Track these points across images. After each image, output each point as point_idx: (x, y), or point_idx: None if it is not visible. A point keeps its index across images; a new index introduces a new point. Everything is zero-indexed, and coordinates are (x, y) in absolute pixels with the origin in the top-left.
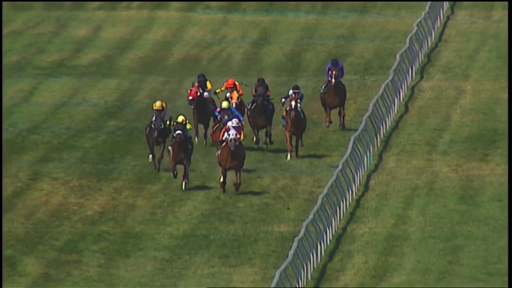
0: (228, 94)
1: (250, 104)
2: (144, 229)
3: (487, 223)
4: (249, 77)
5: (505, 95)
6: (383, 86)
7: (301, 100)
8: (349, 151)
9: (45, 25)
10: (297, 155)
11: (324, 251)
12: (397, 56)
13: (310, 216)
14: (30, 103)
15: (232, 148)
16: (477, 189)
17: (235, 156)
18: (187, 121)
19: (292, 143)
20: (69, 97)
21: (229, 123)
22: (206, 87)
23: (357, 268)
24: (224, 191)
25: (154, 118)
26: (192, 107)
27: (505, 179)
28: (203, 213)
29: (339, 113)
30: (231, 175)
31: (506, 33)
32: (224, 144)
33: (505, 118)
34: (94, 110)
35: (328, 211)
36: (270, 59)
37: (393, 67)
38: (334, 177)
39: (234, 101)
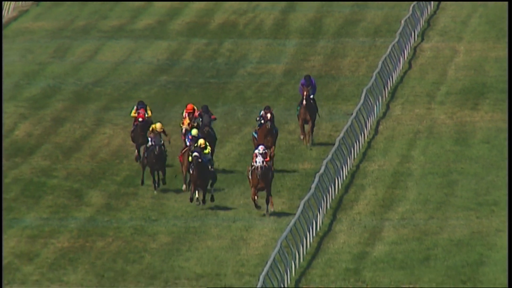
0: (184, 114)
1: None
2: None
3: (477, 161)
4: (278, 39)
5: (493, 54)
6: (390, 46)
7: (273, 117)
8: (361, 101)
9: None
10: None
11: (341, 185)
12: (402, 21)
13: (329, 156)
14: (94, 61)
15: (258, 176)
16: (469, 133)
17: (263, 179)
18: (206, 144)
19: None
20: (127, 56)
21: (256, 151)
22: (147, 113)
23: (368, 199)
24: (256, 206)
25: (150, 141)
26: (133, 129)
27: (492, 125)
28: (239, 153)
29: (311, 127)
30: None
31: (493, 2)
32: (253, 168)
33: (492, 73)
34: (148, 67)
35: (344, 151)
36: (296, 24)
37: (399, 31)
38: (349, 123)
39: (185, 126)
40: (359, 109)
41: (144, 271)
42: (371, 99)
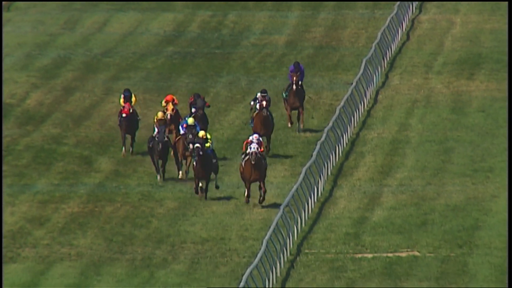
0: (163, 102)
1: (189, 115)
2: None
3: (473, 129)
4: (281, 11)
5: (488, 26)
6: (388, 18)
7: (269, 103)
8: (361, 71)
9: None
10: (268, 153)
11: (341, 152)
12: None
13: (330, 124)
14: (103, 32)
15: (252, 162)
16: (465, 102)
17: (257, 168)
18: (207, 135)
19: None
20: (135, 28)
21: (250, 138)
22: (131, 101)
23: (368, 166)
24: (248, 202)
25: (156, 131)
26: (119, 121)
27: (488, 94)
28: (243, 121)
29: (298, 114)
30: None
31: None
32: (246, 158)
33: (488, 44)
34: (155, 38)
35: (344, 119)
36: None
37: (397, 3)
38: (349, 92)
39: (169, 112)
40: (359, 79)
41: (151, 235)
42: (370, 69)
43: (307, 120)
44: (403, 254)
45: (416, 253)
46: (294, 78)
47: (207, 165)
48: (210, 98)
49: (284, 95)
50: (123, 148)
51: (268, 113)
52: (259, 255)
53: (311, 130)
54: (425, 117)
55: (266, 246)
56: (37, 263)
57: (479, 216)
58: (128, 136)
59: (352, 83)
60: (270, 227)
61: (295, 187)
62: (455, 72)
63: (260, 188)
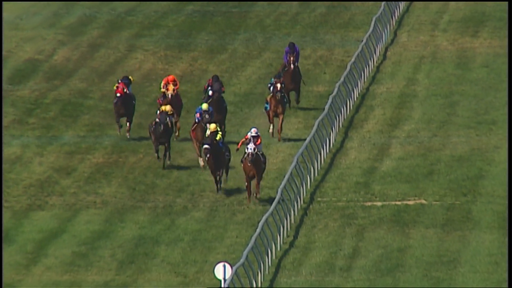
0: (162, 84)
1: (205, 99)
2: None
3: (477, 83)
4: None
5: None
6: None
7: (283, 85)
8: (371, 28)
9: None
10: (279, 138)
11: (352, 105)
12: None
13: (341, 79)
14: None
15: (249, 164)
16: (469, 57)
17: (254, 167)
18: (217, 130)
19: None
20: None
21: (249, 134)
22: (129, 88)
23: (377, 119)
24: (249, 197)
25: (158, 115)
26: (115, 101)
27: (491, 50)
28: (260, 76)
29: (297, 95)
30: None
31: None
32: (245, 156)
33: (491, 3)
34: None
35: (355, 74)
36: None
37: None
38: (359, 49)
39: (170, 92)
40: (369, 36)
41: (172, 184)
42: (379, 27)
43: (320, 75)
44: (411, 202)
45: (423, 201)
46: (291, 58)
47: (218, 160)
48: (228, 54)
49: (280, 74)
50: (119, 129)
51: (282, 96)
52: (274, 203)
53: (323, 85)
54: (432, 72)
55: (281, 194)
56: (64, 211)
57: (483, 166)
58: (124, 119)
59: (362, 40)
60: (284, 176)
61: (308, 138)
62: (460, 30)
63: (256, 186)
